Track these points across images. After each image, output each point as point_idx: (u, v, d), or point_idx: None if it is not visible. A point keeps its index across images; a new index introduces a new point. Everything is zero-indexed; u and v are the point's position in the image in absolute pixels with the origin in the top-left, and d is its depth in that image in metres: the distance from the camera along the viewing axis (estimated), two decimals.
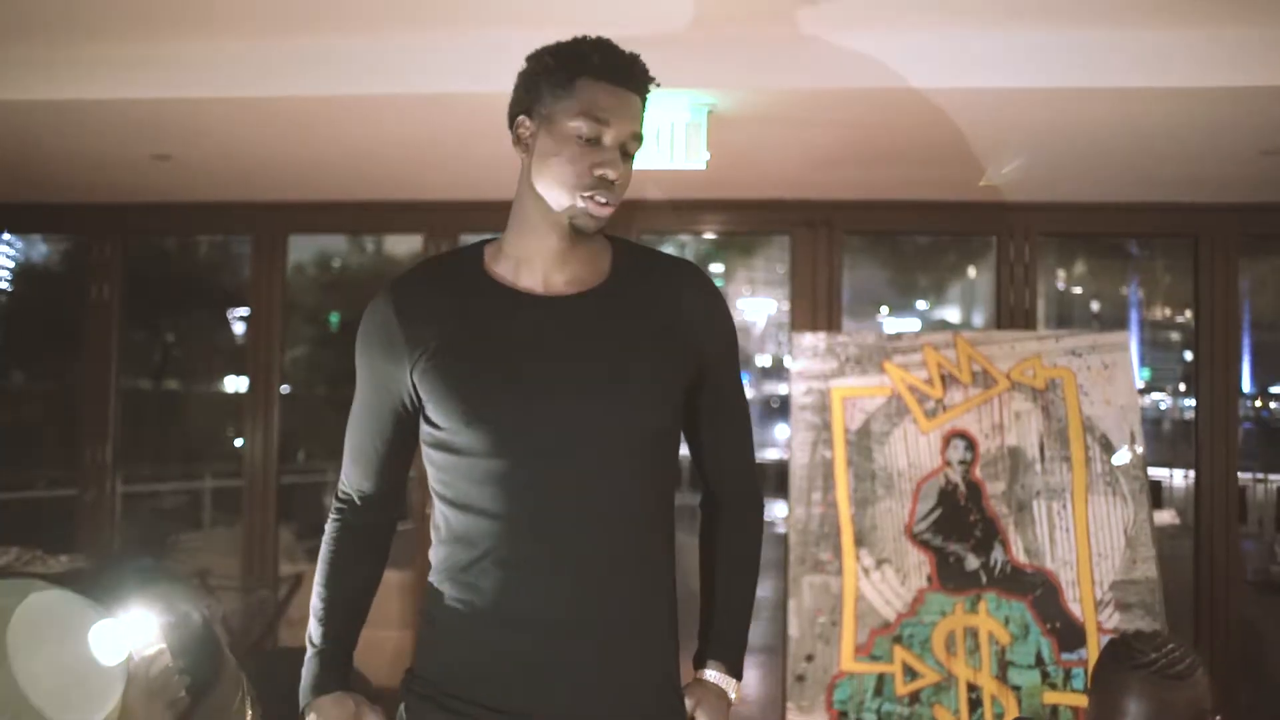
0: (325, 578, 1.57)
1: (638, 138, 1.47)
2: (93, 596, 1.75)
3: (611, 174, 1.42)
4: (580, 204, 1.43)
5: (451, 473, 1.47)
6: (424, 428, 1.51)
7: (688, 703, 1.53)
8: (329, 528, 1.61)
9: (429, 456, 1.51)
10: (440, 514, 1.51)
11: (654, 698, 1.49)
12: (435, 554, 1.52)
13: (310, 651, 1.55)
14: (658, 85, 1.51)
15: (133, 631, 1.58)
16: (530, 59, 1.50)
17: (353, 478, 1.59)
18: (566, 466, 1.43)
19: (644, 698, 1.47)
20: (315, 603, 1.57)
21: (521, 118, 1.48)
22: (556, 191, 1.44)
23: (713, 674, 1.56)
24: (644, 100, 1.49)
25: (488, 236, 1.58)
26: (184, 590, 1.90)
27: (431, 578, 1.52)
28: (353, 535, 1.59)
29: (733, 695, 1.57)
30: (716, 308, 1.57)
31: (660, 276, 1.54)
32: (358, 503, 1.59)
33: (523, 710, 1.43)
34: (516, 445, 1.43)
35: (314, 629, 1.56)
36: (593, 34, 1.50)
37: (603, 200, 1.43)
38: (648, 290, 1.52)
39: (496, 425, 1.43)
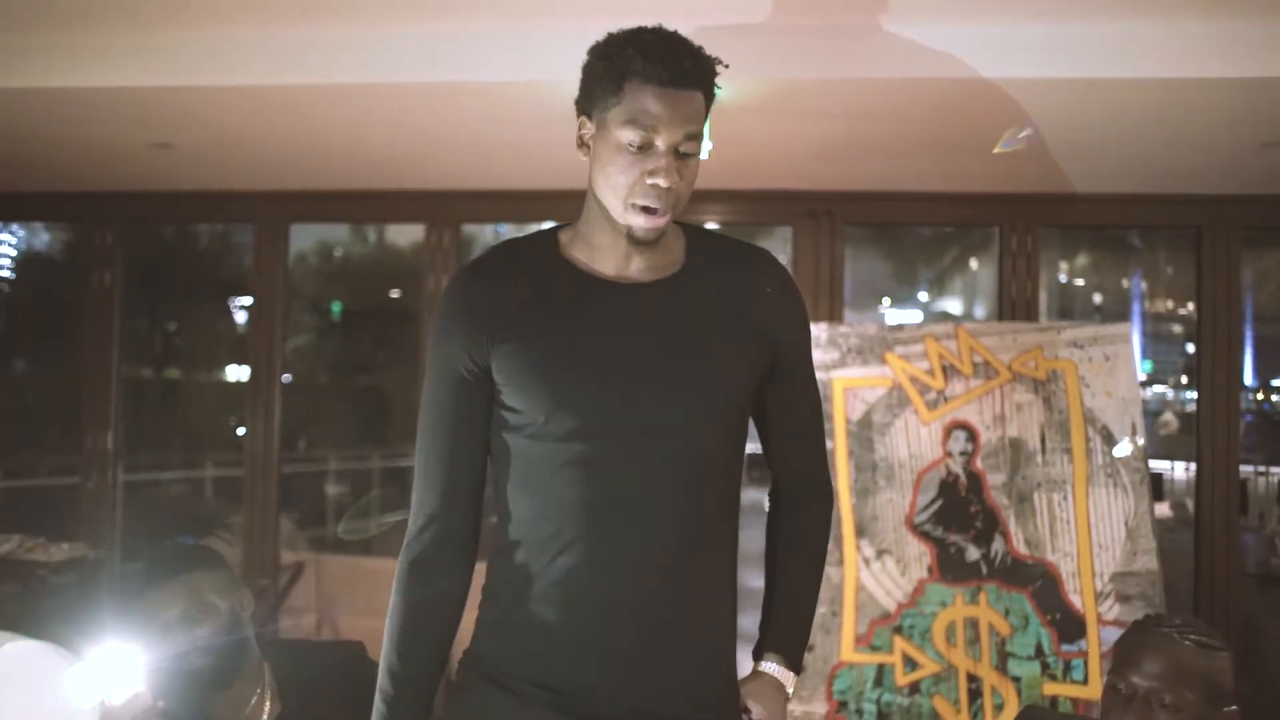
0: (401, 638, 1.48)
1: (694, 137, 1.42)
2: (130, 576, 1.77)
3: (664, 181, 1.39)
4: (632, 217, 1.42)
5: (524, 457, 1.46)
6: (496, 413, 1.49)
7: (742, 691, 1.54)
8: (403, 571, 1.49)
9: (497, 441, 1.50)
10: (508, 497, 1.49)
11: (711, 686, 1.49)
12: (501, 536, 1.50)
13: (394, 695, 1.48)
14: (725, 67, 1.47)
15: (109, 675, 1.57)
16: (588, 54, 1.46)
17: (438, 494, 1.50)
18: (639, 453, 1.43)
19: (701, 685, 1.48)
20: (388, 668, 1.48)
21: (582, 119, 1.46)
22: (611, 201, 1.43)
23: (771, 666, 1.56)
24: (707, 93, 1.44)
25: (559, 224, 1.56)
26: (216, 578, 1.90)
27: (494, 558, 1.51)
28: (433, 568, 1.49)
29: (790, 689, 1.56)
30: (790, 297, 1.56)
31: (735, 264, 1.54)
32: (443, 522, 1.50)
33: (582, 692, 1.43)
34: (592, 430, 1.43)
35: (382, 704, 1.47)
36: (586, 24, 1.48)
37: (655, 209, 1.41)
38: (722, 278, 1.52)
39: (574, 410, 1.43)
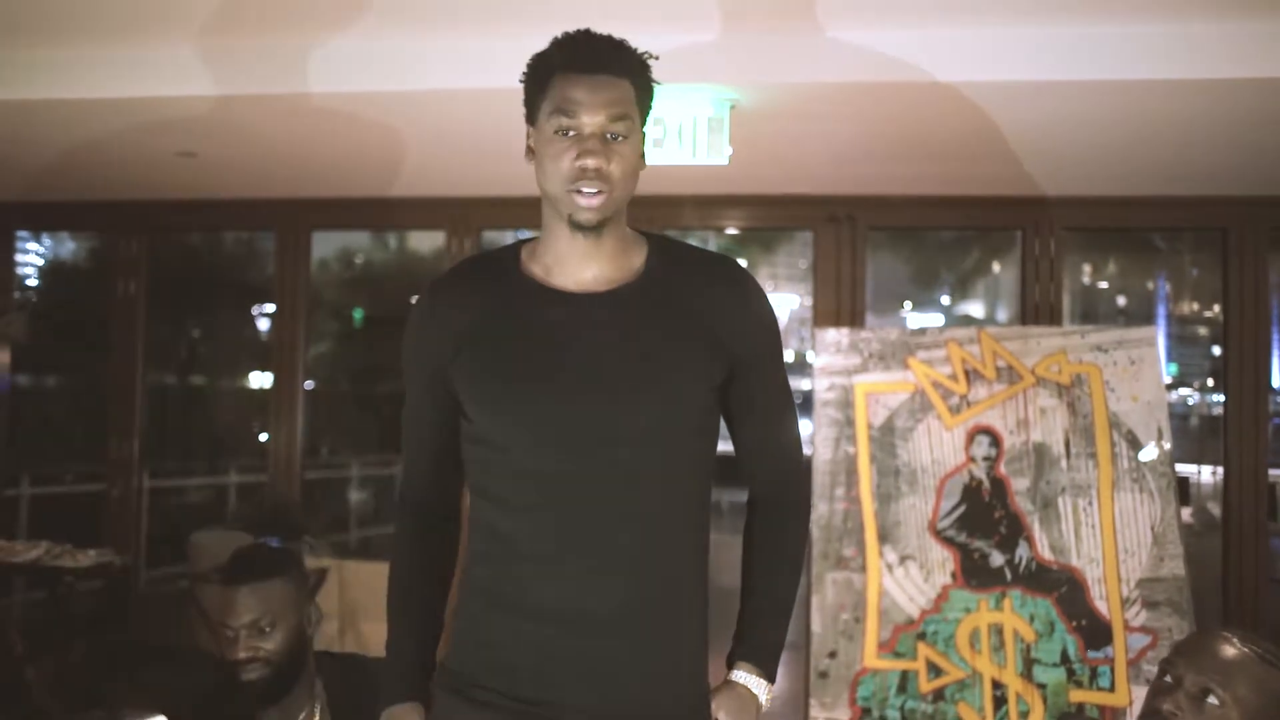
0: (394, 588, 1.59)
1: (621, 119, 1.44)
2: (207, 571, 1.80)
3: (590, 162, 1.41)
4: (570, 199, 1.43)
5: (484, 467, 1.49)
6: (461, 423, 1.52)
7: (713, 703, 1.52)
8: (396, 535, 1.62)
9: (465, 451, 1.53)
10: (475, 508, 1.51)
11: (679, 696, 1.48)
12: (469, 547, 1.52)
13: (386, 659, 1.57)
14: (655, 59, 1.49)
15: None
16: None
17: (412, 481, 1.61)
18: (594, 463, 1.43)
19: (667, 696, 1.47)
20: (388, 612, 1.59)
21: (529, 128, 1.50)
22: (551, 191, 1.45)
23: (741, 675, 1.55)
24: (636, 81, 1.46)
25: (527, 236, 1.58)
26: (292, 590, 1.92)
27: (465, 570, 1.53)
28: (419, 539, 1.60)
29: (763, 698, 1.55)
30: (753, 303, 1.55)
31: (694, 272, 1.53)
32: (420, 505, 1.60)
33: (546, 702, 1.43)
34: (545, 440, 1.43)
35: (388, 638, 1.57)
36: (606, 31, 1.48)
37: (590, 190, 1.42)
38: (680, 286, 1.51)
39: (525, 420, 1.44)
